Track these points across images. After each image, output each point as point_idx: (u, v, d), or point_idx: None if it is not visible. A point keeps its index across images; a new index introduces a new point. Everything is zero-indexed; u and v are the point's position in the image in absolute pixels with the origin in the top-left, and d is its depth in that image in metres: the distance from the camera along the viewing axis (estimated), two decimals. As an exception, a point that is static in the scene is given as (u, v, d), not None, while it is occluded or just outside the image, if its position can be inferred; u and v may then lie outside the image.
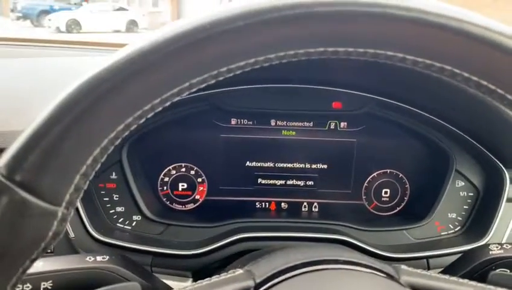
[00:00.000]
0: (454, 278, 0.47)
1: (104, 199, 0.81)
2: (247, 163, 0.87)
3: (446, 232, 0.85)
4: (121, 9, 15.98)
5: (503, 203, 0.79)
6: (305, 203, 0.90)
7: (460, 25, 0.28)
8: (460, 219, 0.85)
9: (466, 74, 0.30)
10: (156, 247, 0.76)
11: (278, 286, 0.43)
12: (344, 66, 0.74)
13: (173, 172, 0.87)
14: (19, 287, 0.48)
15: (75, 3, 20.52)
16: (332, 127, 0.86)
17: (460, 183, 0.85)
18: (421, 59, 0.30)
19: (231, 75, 0.31)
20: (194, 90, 0.31)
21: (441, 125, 0.81)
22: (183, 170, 0.87)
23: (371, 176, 0.89)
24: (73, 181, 0.30)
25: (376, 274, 0.46)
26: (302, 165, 0.88)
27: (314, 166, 0.88)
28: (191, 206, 0.89)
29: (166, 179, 0.87)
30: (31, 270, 0.47)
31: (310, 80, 0.82)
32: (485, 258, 0.59)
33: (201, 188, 0.88)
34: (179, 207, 0.89)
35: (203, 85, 0.31)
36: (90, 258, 0.55)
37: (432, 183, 0.86)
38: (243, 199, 0.89)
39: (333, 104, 0.84)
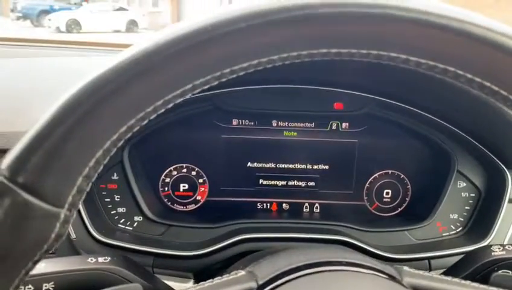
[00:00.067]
0: (456, 280, 0.47)
1: (106, 199, 0.81)
2: (249, 164, 0.87)
3: (448, 233, 0.85)
4: (121, 9, 15.98)
5: (505, 204, 0.79)
6: (306, 204, 0.90)
7: (464, 25, 0.28)
8: (462, 219, 0.85)
9: (469, 75, 0.30)
10: (157, 248, 0.76)
11: (280, 288, 0.43)
12: (346, 67, 0.74)
13: (174, 173, 0.87)
14: (21, 288, 0.48)
15: (75, 3, 20.53)
16: (334, 127, 0.86)
17: (462, 184, 0.85)
18: (424, 60, 0.30)
19: (234, 76, 0.31)
20: (197, 91, 0.31)
21: (442, 126, 0.81)
22: (185, 170, 0.87)
23: (372, 177, 0.89)
24: (75, 183, 0.30)
25: (378, 276, 0.46)
26: (303, 166, 0.88)
27: (315, 167, 0.88)
28: (192, 207, 0.89)
29: (168, 179, 0.87)
30: (33, 271, 0.47)
31: (311, 81, 0.82)
32: (487, 260, 0.59)
33: (203, 188, 0.88)
34: (180, 208, 0.89)
35: (206, 87, 0.31)
36: (91, 259, 0.55)
37: (434, 184, 0.86)
38: (244, 200, 0.89)
39: (335, 105, 0.84)
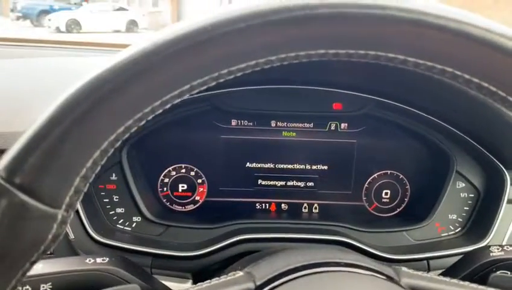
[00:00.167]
0: (454, 281, 0.47)
1: (104, 200, 0.80)
2: (248, 164, 0.87)
3: (446, 234, 0.85)
4: (121, 9, 15.98)
5: (504, 205, 0.79)
6: (305, 205, 0.90)
7: (462, 26, 0.28)
8: (460, 220, 0.85)
9: (467, 76, 0.30)
10: (155, 248, 0.76)
11: (278, 289, 0.43)
12: (344, 67, 0.74)
13: (173, 173, 0.87)
14: (18, 289, 0.48)
15: (75, 3, 20.53)
16: (332, 128, 0.86)
17: (461, 184, 0.85)
18: (422, 61, 0.30)
19: (232, 77, 0.31)
20: (194, 92, 0.31)
21: (441, 126, 0.81)
22: (183, 171, 0.87)
23: (371, 177, 0.89)
24: (73, 184, 0.30)
25: (377, 276, 0.46)
26: (302, 166, 0.88)
27: (314, 167, 0.88)
28: (191, 207, 0.89)
29: (166, 180, 0.87)
30: (31, 272, 0.47)
31: (310, 81, 0.82)
32: (485, 260, 0.59)
33: (201, 189, 0.88)
34: (178, 208, 0.89)
35: (204, 87, 0.31)
36: (89, 260, 0.55)
37: (433, 185, 0.86)
38: (243, 200, 0.89)
39: (333, 105, 0.83)
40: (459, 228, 0.85)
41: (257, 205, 0.89)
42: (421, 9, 0.28)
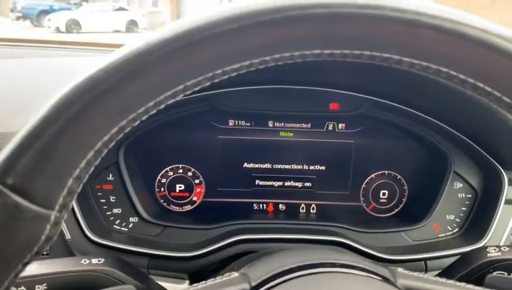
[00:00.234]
0: (451, 281, 0.47)
1: (101, 200, 0.80)
2: (245, 164, 0.87)
3: (444, 234, 0.84)
4: (120, 9, 15.98)
5: (502, 205, 0.78)
6: (302, 205, 0.90)
7: (457, 26, 0.28)
8: (458, 220, 0.85)
9: (462, 76, 0.30)
10: (152, 249, 0.76)
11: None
12: (341, 67, 0.74)
13: (170, 173, 0.87)
14: (12, 290, 0.48)
15: (75, 3, 20.53)
16: (330, 128, 0.86)
17: (459, 184, 0.85)
18: (417, 61, 0.30)
19: (226, 77, 0.31)
20: (188, 92, 0.31)
21: (438, 126, 0.81)
22: (181, 171, 0.87)
23: (369, 178, 0.89)
24: (66, 184, 0.29)
25: (372, 277, 0.46)
26: (299, 167, 0.88)
27: (312, 167, 0.88)
28: (188, 207, 0.89)
29: (164, 180, 0.87)
30: (25, 273, 0.46)
31: (307, 81, 0.82)
32: (482, 261, 0.59)
33: (199, 189, 0.88)
34: (176, 209, 0.88)
35: (198, 87, 0.31)
36: (85, 261, 0.55)
37: (430, 185, 0.86)
38: (240, 201, 0.89)
39: (330, 106, 0.83)
40: (457, 229, 0.85)
41: (254, 205, 0.89)
42: (416, 9, 0.28)
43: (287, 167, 0.88)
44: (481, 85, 0.30)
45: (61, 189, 0.29)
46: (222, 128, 0.85)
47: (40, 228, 0.29)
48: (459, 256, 0.66)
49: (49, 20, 14.74)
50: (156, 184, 0.87)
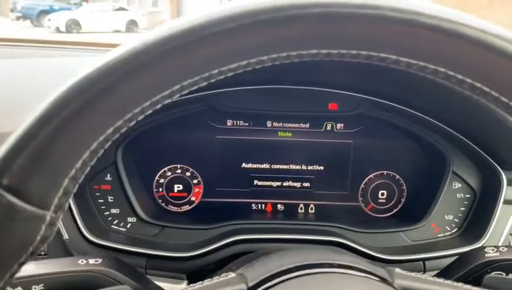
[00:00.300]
0: (448, 282, 0.47)
1: (99, 200, 0.80)
2: (243, 164, 0.87)
3: (443, 234, 0.84)
4: (120, 9, 15.98)
5: (500, 205, 0.78)
6: (301, 205, 0.90)
7: (454, 26, 0.28)
8: (457, 220, 0.85)
9: (460, 76, 0.30)
10: (150, 249, 0.76)
11: None
12: (340, 67, 0.74)
13: (169, 173, 0.87)
14: (8, 290, 0.48)
15: (75, 3, 20.53)
16: (328, 128, 0.86)
17: (457, 184, 0.84)
18: (414, 61, 0.30)
19: (223, 77, 0.31)
20: (185, 92, 0.31)
21: (437, 126, 0.81)
22: (179, 171, 0.87)
23: (367, 178, 0.89)
24: (62, 185, 0.29)
25: (369, 278, 0.46)
26: (298, 167, 0.88)
27: (310, 167, 0.88)
28: (186, 208, 0.88)
29: (162, 180, 0.87)
30: (22, 273, 0.46)
31: (306, 81, 0.82)
32: (480, 261, 0.59)
33: (197, 189, 0.88)
34: (174, 209, 0.88)
35: (195, 87, 0.31)
36: (82, 261, 0.55)
37: (429, 185, 0.86)
38: (238, 201, 0.89)
39: (329, 106, 0.83)
40: (456, 229, 0.85)
41: (253, 205, 0.89)
42: (413, 9, 0.28)
43: (285, 167, 0.88)
44: (479, 85, 0.30)
45: (57, 189, 0.29)
46: (220, 128, 0.85)
47: (36, 228, 0.29)
48: (457, 256, 0.66)
49: (49, 20, 14.73)
50: (154, 184, 0.87)
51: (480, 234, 0.78)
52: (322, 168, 0.88)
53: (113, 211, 0.81)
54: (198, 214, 0.87)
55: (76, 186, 0.30)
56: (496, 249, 0.61)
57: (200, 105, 0.82)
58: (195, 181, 0.88)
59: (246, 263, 0.51)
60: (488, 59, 0.29)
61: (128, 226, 0.81)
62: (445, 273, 0.63)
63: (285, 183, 0.88)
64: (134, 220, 0.81)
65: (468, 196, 0.85)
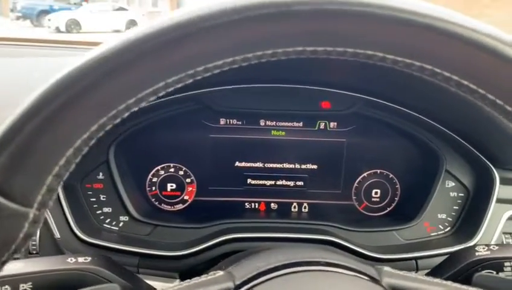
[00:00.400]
0: (437, 280, 0.47)
1: (91, 199, 0.80)
2: (237, 163, 0.87)
3: (436, 233, 0.84)
4: (120, 9, 15.98)
5: (493, 204, 0.78)
6: (294, 204, 0.90)
7: (440, 24, 0.28)
8: (450, 219, 0.84)
9: (446, 74, 0.30)
10: (143, 248, 0.76)
11: (256, 288, 0.43)
12: (334, 66, 0.74)
13: (162, 172, 0.87)
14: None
15: (75, 3, 20.53)
16: (321, 127, 0.86)
17: (451, 183, 0.84)
18: (400, 58, 0.30)
19: (209, 74, 0.31)
20: (171, 89, 0.31)
21: (430, 125, 0.81)
22: (172, 170, 0.87)
23: (361, 176, 0.89)
24: (45, 182, 0.29)
25: (357, 276, 0.46)
26: (291, 166, 0.88)
27: (304, 166, 0.88)
28: (179, 206, 0.88)
29: (155, 179, 0.87)
30: (11, 271, 0.46)
31: (299, 80, 0.82)
32: (471, 260, 0.59)
33: (190, 188, 0.88)
34: (167, 208, 0.88)
35: (180, 84, 0.31)
36: (71, 260, 0.55)
37: (422, 184, 0.86)
38: (232, 200, 0.88)
39: (322, 104, 0.83)
40: (449, 228, 0.84)
41: (246, 204, 0.89)
42: (399, 6, 0.28)
43: (278, 165, 0.88)
44: (465, 83, 0.30)
45: (40, 187, 0.29)
46: (213, 127, 0.85)
47: (18, 226, 0.29)
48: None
49: (49, 20, 14.74)
50: (147, 183, 0.87)
51: (473, 233, 0.78)
52: (315, 166, 0.88)
53: (106, 209, 0.81)
54: (191, 213, 0.87)
55: (61, 183, 0.30)
56: (486, 247, 0.61)
57: (193, 104, 0.82)
58: (188, 180, 0.88)
59: (235, 262, 0.51)
60: (474, 57, 0.29)
61: (120, 225, 0.81)
62: (436, 272, 0.63)
63: (278, 182, 0.88)
64: (127, 219, 0.81)
65: (462, 194, 0.84)
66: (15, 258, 0.31)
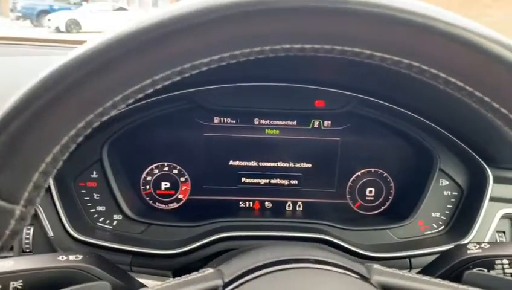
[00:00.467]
0: (426, 278, 0.47)
1: (85, 198, 0.80)
2: (231, 162, 0.87)
3: (429, 232, 0.84)
4: (120, 9, 15.97)
5: (486, 202, 0.78)
6: (289, 203, 0.90)
7: (427, 21, 0.28)
8: (444, 218, 0.84)
9: (434, 71, 0.30)
10: (136, 246, 0.76)
11: (245, 285, 0.43)
12: (327, 65, 0.74)
13: (156, 171, 0.87)
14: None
15: (75, 3, 20.52)
16: (316, 126, 0.86)
17: (445, 182, 0.84)
18: (388, 56, 0.30)
19: (197, 71, 0.31)
20: (159, 86, 0.31)
21: (424, 123, 0.81)
22: (166, 169, 0.87)
23: (355, 175, 0.89)
24: (31, 179, 0.29)
25: (346, 274, 0.46)
26: (286, 164, 0.88)
27: (298, 165, 0.88)
28: (174, 205, 0.88)
29: (149, 178, 0.87)
30: (1, 269, 0.46)
31: (293, 79, 0.82)
32: (462, 258, 0.59)
33: (185, 187, 0.88)
34: (161, 206, 0.88)
35: (168, 82, 0.31)
36: (62, 258, 0.55)
37: (416, 182, 0.86)
38: (226, 198, 0.88)
39: (316, 103, 0.83)
40: (442, 226, 0.84)
41: (241, 203, 0.89)
42: (386, 3, 0.28)
43: (273, 164, 0.88)
44: (453, 80, 0.30)
45: (27, 183, 0.29)
46: (207, 125, 0.85)
47: (4, 223, 0.29)
48: None
49: (49, 20, 14.74)
50: (141, 182, 0.87)
51: (466, 231, 0.78)
52: (309, 165, 0.88)
53: (99, 208, 0.81)
54: (185, 212, 0.87)
55: (48, 180, 0.30)
56: (478, 245, 0.61)
57: (187, 102, 0.82)
58: (182, 179, 0.88)
59: (227, 260, 0.51)
60: (462, 54, 0.29)
61: (114, 223, 0.81)
62: (428, 270, 0.63)
63: (272, 181, 0.88)
64: (120, 218, 0.81)
65: (455, 193, 0.84)
66: (6, 256, 0.31)
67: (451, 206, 0.84)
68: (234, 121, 0.85)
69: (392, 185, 0.89)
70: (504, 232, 0.80)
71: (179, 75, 0.31)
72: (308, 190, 0.89)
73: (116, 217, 0.81)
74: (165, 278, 0.75)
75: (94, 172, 0.80)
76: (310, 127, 0.86)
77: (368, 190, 0.89)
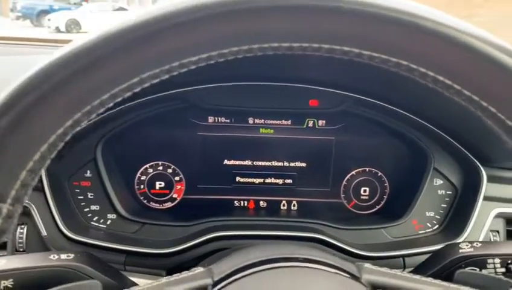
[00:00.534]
0: (416, 277, 0.47)
1: (79, 197, 0.80)
2: (225, 161, 0.87)
3: (424, 231, 0.84)
4: (120, 9, 15.97)
5: (480, 201, 0.78)
6: (284, 202, 0.90)
7: (415, 20, 0.28)
8: (438, 217, 0.84)
9: (422, 69, 0.30)
10: (130, 246, 0.76)
11: (234, 284, 0.43)
12: (321, 64, 0.74)
13: (150, 170, 0.87)
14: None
15: (75, 3, 20.51)
16: (310, 125, 0.86)
17: (439, 181, 0.84)
18: (377, 54, 0.30)
19: (185, 70, 0.31)
20: (147, 85, 0.31)
21: (418, 123, 0.81)
22: (160, 168, 0.87)
23: (349, 174, 0.89)
24: (19, 177, 0.29)
25: (336, 273, 0.46)
26: (280, 164, 0.88)
27: (292, 164, 0.88)
28: (168, 205, 0.88)
29: (143, 177, 0.87)
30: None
31: (287, 78, 0.82)
32: (454, 257, 0.59)
33: (179, 186, 0.88)
34: (156, 206, 0.88)
35: (155, 80, 0.31)
36: (54, 257, 0.55)
37: (411, 182, 0.86)
38: (221, 198, 0.88)
39: (310, 102, 0.83)
40: (437, 225, 0.84)
41: (235, 202, 0.89)
42: (375, 2, 0.28)
43: (267, 163, 0.87)
44: (441, 78, 0.30)
45: (14, 182, 0.29)
46: (202, 125, 0.85)
47: None
48: None
49: (49, 20, 14.73)
50: (135, 181, 0.87)
51: (460, 231, 0.78)
52: (304, 164, 0.88)
53: (93, 207, 0.81)
54: (179, 211, 0.87)
55: (36, 179, 0.30)
56: (470, 244, 0.61)
57: (181, 102, 0.82)
58: (177, 178, 0.88)
59: (218, 259, 0.51)
60: (450, 52, 0.29)
61: (108, 223, 0.81)
62: (420, 269, 0.63)
63: (267, 180, 0.88)
64: (114, 217, 0.81)
65: (450, 192, 0.84)
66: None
67: (445, 205, 0.84)
68: (228, 121, 0.85)
69: (386, 184, 0.89)
70: (498, 232, 0.80)
71: (168, 73, 0.30)
72: (303, 189, 0.89)
73: (110, 216, 0.81)
74: (159, 277, 0.76)
75: (88, 171, 0.80)
76: (305, 126, 0.86)
77: (363, 189, 0.89)
